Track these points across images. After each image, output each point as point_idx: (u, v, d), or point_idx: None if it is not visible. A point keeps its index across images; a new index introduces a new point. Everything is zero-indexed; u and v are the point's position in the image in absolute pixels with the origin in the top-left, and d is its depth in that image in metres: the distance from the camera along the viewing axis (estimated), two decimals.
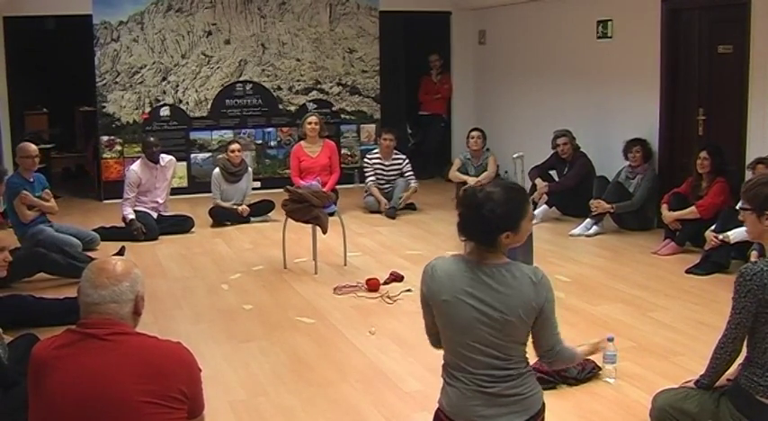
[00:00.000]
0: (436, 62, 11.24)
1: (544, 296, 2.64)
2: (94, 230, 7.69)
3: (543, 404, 2.75)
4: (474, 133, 9.19)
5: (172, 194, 8.73)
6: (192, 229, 8.22)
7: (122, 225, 7.89)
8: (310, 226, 6.74)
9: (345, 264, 6.82)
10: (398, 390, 4.30)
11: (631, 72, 8.22)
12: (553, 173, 8.74)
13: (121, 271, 2.42)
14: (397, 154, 9.30)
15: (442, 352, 2.80)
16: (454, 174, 9.19)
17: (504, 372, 2.67)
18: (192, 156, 10.31)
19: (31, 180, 7.00)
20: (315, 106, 10.61)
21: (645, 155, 7.82)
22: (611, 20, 8.49)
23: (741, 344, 3.13)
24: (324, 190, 7.26)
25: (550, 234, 7.75)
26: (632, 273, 6.50)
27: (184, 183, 10.15)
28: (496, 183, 2.73)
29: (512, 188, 2.69)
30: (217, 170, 8.61)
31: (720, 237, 6.27)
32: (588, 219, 7.83)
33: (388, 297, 5.91)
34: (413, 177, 9.22)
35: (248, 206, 8.60)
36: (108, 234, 7.76)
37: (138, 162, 8.23)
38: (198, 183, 10.05)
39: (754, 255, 5.69)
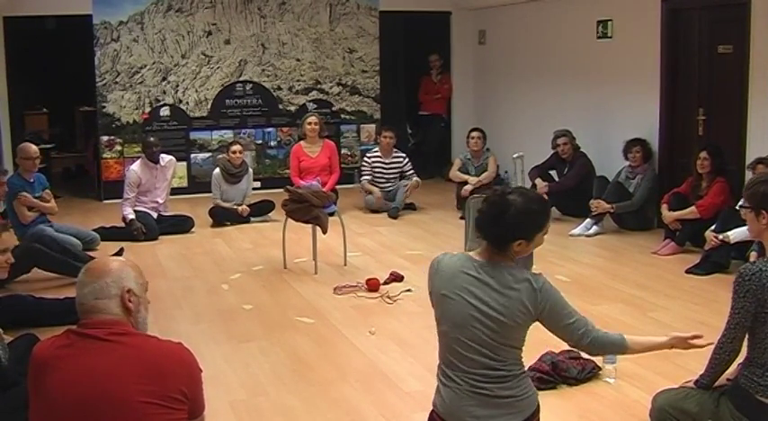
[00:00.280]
0: (436, 62, 11.24)
1: (544, 302, 2.66)
2: (94, 230, 7.69)
3: (538, 406, 2.76)
4: (474, 133, 9.19)
5: (172, 194, 8.73)
6: (192, 229, 8.22)
7: (122, 225, 7.90)
8: (310, 226, 6.74)
9: (345, 264, 6.82)
10: (398, 390, 4.30)
11: (631, 72, 8.22)
12: (553, 173, 8.74)
13: (104, 268, 2.42)
14: (397, 152, 9.32)
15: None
16: (455, 173, 9.19)
17: (497, 373, 2.67)
18: (192, 156, 10.31)
19: (32, 180, 7.00)
20: (315, 106, 10.61)
21: (645, 155, 7.82)
22: (611, 20, 8.49)
23: (740, 344, 3.13)
24: (324, 190, 7.26)
25: (550, 234, 7.59)
26: (632, 273, 6.50)
27: (184, 183, 10.15)
28: (524, 192, 2.78)
29: (539, 200, 2.78)
30: (217, 170, 8.61)
31: (720, 237, 6.27)
32: (588, 219, 7.83)
33: (388, 297, 5.91)
34: (414, 173, 9.24)
35: (248, 206, 8.60)
36: (108, 234, 7.76)
37: (138, 162, 8.23)
38: (198, 183, 10.05)
39: (753, 256, 5.69)
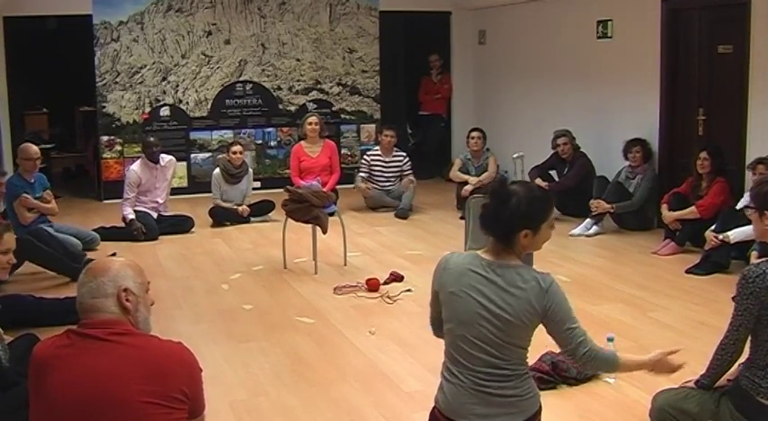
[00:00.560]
0: (436, 62, 11.24)
1: (550, 303, 2.65)
2: (94, 230, 7.69)
3: (540, 407, 2.75)
4: (474, 133, 9.19)
5: (172, 194, 8.73)
6: (192, 229, 8.22)
7: (122, 225, 7.89)
8: (310, 226, 6.74)
9: (345, 264, 6.82)
10: (398, 390, 4.30)
11: (631, 72, 8.22)
12: (553, 173, 8.74)
13: (103, 267, 2.43)
14: (397, 151, 9.33)
15: (442, 351, 2.81)
16: (455, 173, 9.19)
17: (501, 372, 2.67)
18: (192, 156, 10.31)
19: (32, 181, 6.99)
20: (315, 106, 10.61)
21: (645, 155, 7.82)
22: (611, 20, 8.49)
23: (743, 345, 3.13)
24: (324, 190, 7.26)
25: None
26: (632, 273, 6.50)
27: (184, 183, 10.15)
28: (525, 183, 2.83)
29: (541, 190, 2.85)
30: (217, 170, 8.61)
31: (720, 237, 6.27)
32: (588, 219, 7.83)
33: (388, 297, 5.91)
34: (410, 173, 9.26)
35: (248, 206, 8.60)
36: (108, 234, 7.76)
37: (138, 162, 8.22)
38: (198, 183, 10.05)
39: (754, 256, 5.71)
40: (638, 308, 5.62)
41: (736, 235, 6.16)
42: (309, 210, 6.58)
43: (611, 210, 7.79)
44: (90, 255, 6.89)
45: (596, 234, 7.77)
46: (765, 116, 6.76)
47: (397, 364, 4.66)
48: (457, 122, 11.42)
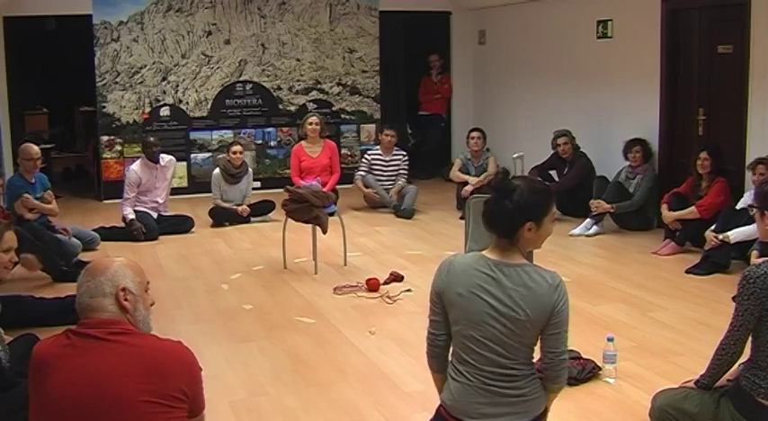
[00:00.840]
0: (436, 62, 11.25)
1: (559, 301, 2.65)
2: (94, 230, 7.68)
3: (546, 408, 2.76)
4: (474, 133, 9.19)
5: (172, 194, 8.72)
6: (192, 229, 8.22)
7: (122, 225, 7.89)
8: (310, 226, 6.74)
9: (345, 264, 6.82)
10: (398, 390, 4.30)
11: (631, 72, 8.22)
12: (553, 173, 8.74)
13: (102, 267, 2.43)
14: (397, 151, 9.34)
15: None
16: (455, 173, 9.19)
17: (509, 371, 2.68)
18: (192, 156, 10.31)
19: (33, 181, 6.99)
20: (315, 106, 10.61)
21: (645, 155, 7.82)
22: (611, 20, 8.49)
23: (743, 346, 3.12)
24: (324, 190, 7.27)
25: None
26: (632, 273, 6.50)
27: (184, 183, 10.16)
28: (526, 177, 2.89)
29: (542, 183, 2.93)
30: (217, 171, 8.61)
31: (720, 237, 6.27)
32: (588, 219, 7.83)
33: (388, 297, 5.91)
34: (405, 174, 9.28)
35: (248, 206, 8.60)
36: (108, 234, 7.76)
37: (138, 162, 8.22)
38: (198, 183, 10.06)
39: (754, 255, 5.71)
40: (638, 308, 5.61)
41: (736, 235, 6.16)
42: (309, 210, 6.58)
43: (612, 210, 7.79)
44: (91, 255, 6.89)
45: (596, 234, 7.77)
46: (765, 116, 6.76)
47: (397, 364, 4.66)
48: (457, 122, 11.42)
